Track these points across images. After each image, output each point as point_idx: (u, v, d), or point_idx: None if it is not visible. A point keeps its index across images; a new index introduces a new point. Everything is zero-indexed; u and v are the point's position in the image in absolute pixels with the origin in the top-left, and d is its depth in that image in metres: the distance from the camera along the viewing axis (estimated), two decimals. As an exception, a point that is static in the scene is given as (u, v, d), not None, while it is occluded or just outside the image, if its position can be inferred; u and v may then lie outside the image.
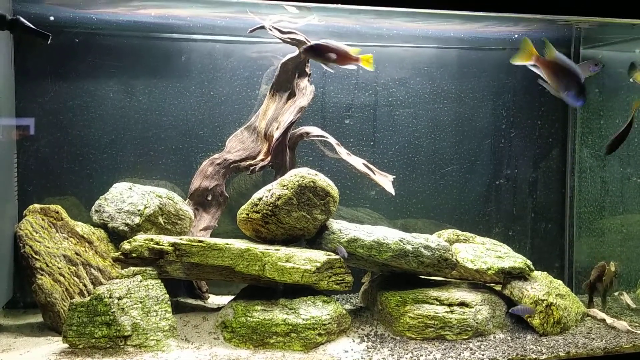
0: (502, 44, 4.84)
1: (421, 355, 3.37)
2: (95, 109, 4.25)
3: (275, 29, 4.09)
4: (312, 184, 3.77)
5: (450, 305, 3.70)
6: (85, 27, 4.16)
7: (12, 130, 3.95)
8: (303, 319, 3.41)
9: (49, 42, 3.22)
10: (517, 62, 3.30)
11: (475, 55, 4.84)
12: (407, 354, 3.38)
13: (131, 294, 3.33)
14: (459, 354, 3.39)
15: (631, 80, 4.11)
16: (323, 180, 3.84)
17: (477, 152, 4.88)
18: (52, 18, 4.01)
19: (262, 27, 4.07)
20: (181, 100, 4.39)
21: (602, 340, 3.68)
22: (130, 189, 4.01)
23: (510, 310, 3.73)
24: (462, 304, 3.71)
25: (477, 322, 3.67)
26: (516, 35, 4.72)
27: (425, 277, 4.08)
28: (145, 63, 4.32)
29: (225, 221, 4.37)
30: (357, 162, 4.25)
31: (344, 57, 3.81)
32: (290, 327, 3.38)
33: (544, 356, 3.44)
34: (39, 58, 4.07)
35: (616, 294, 4.61)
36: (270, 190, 3.77)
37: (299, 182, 3.75)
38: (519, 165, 4.95)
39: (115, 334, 3.22)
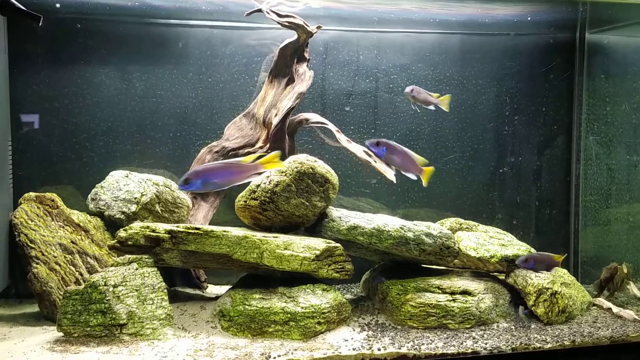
0: (505, 28, 4.75)
1: (422, 344, 3.30)
2: (92, 96, 4.19)
3: (273, 12, 4.01)
4: (311, 170, 3.70)
5: (452, 293, 3.63)
6: (80, 12, 4.09)
7: (7, 118, 3.89)
8: (302, 308, 3.35)
9: (40, 24, 3.16)
10: None
11: (478, 40, 4.75)
12: (408, 342, 3.31)
13: (127, 282, 3.27)
14: (462, 343, 3.32)
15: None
16: (322, 167, 3.76)
17: (480, 140, 4.80)
18: (58, 5, 3.95)
19: (260, 10, 3.99)
20: (179, 87, 4.32)
21: (608, 329, 3.60)
22: (127, 176, 3.95)
23: (522, 313, 3.69)
24: (465, 293, 3.64)
25: (480, 311, 3.60)
26: (515, 20, 4.63)
27: (427, 267, 4.00)
28: (142, 49, 4.25)
29: (225, 211, 4.30)
30: (358, 150, 4.17)
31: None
32: (289, 315, 3.32)
33: (549, 345, 3.36)
34: (35, 43, 4.00)
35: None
36: (268, 176, 3.70)
37: (297, 169, 3.67)
38: (523, 153, 4.87)
39: (110, 323, 3.16)
